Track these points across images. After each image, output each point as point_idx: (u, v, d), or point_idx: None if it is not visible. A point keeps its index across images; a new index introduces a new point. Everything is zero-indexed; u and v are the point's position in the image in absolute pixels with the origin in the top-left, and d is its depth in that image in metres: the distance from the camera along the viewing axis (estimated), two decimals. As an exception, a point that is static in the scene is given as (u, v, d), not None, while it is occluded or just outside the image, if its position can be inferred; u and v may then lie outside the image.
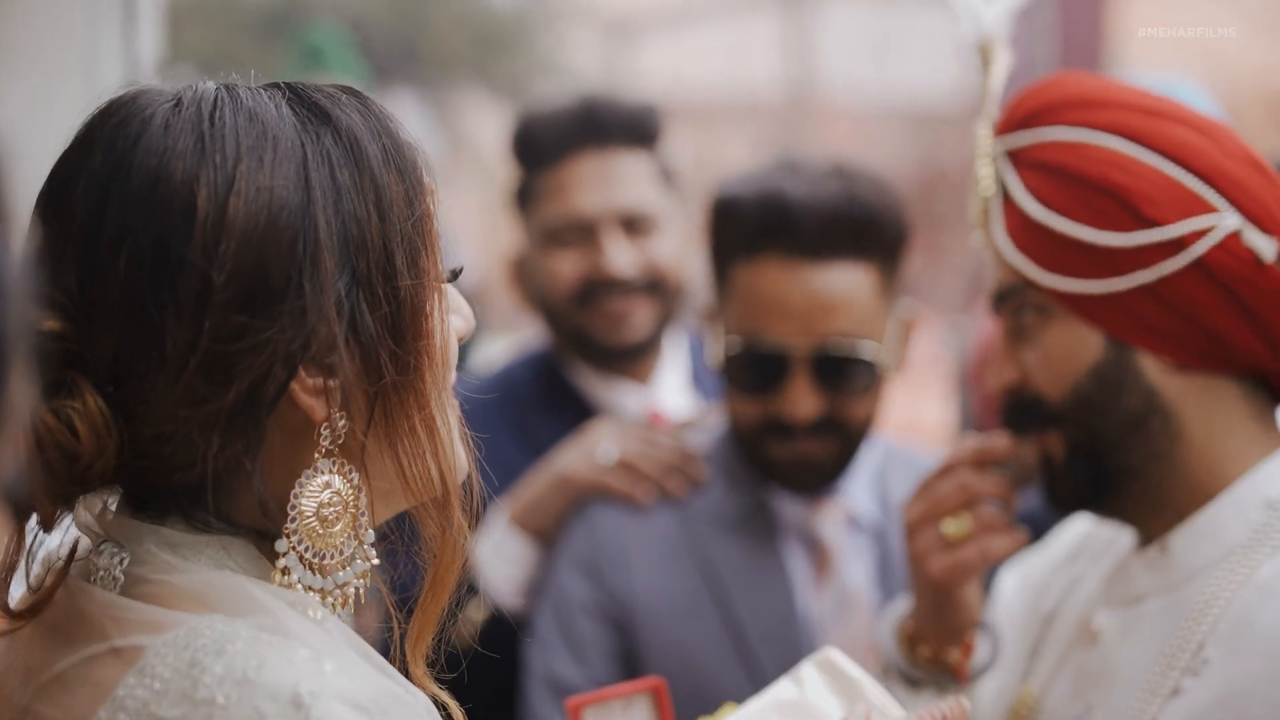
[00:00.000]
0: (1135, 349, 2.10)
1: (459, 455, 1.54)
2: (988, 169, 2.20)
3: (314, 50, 6.24)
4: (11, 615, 1.44)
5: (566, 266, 3.08)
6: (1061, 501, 2.20)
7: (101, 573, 1.44)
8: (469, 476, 1.56)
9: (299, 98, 1.49)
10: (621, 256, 3.06)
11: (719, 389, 2.92)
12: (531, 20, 19.63)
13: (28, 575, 1.47)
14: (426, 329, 1.48)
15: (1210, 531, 2.08)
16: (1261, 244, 2.04)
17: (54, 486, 1.39)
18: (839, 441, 2.70)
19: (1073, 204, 2.11)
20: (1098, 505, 2.17)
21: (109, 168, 1.42)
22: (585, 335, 3.09)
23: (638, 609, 2.72)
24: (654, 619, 2.71)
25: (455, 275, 1.54)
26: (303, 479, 1.44)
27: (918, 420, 7.91)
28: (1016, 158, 2.18)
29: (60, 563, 1.46)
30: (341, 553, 1.46)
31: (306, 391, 1.43)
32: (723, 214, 2.73)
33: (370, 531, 1.47)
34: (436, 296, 1.50)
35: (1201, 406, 2.10)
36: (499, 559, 2.87)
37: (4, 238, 0.88)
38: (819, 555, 2.76)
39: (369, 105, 1.51)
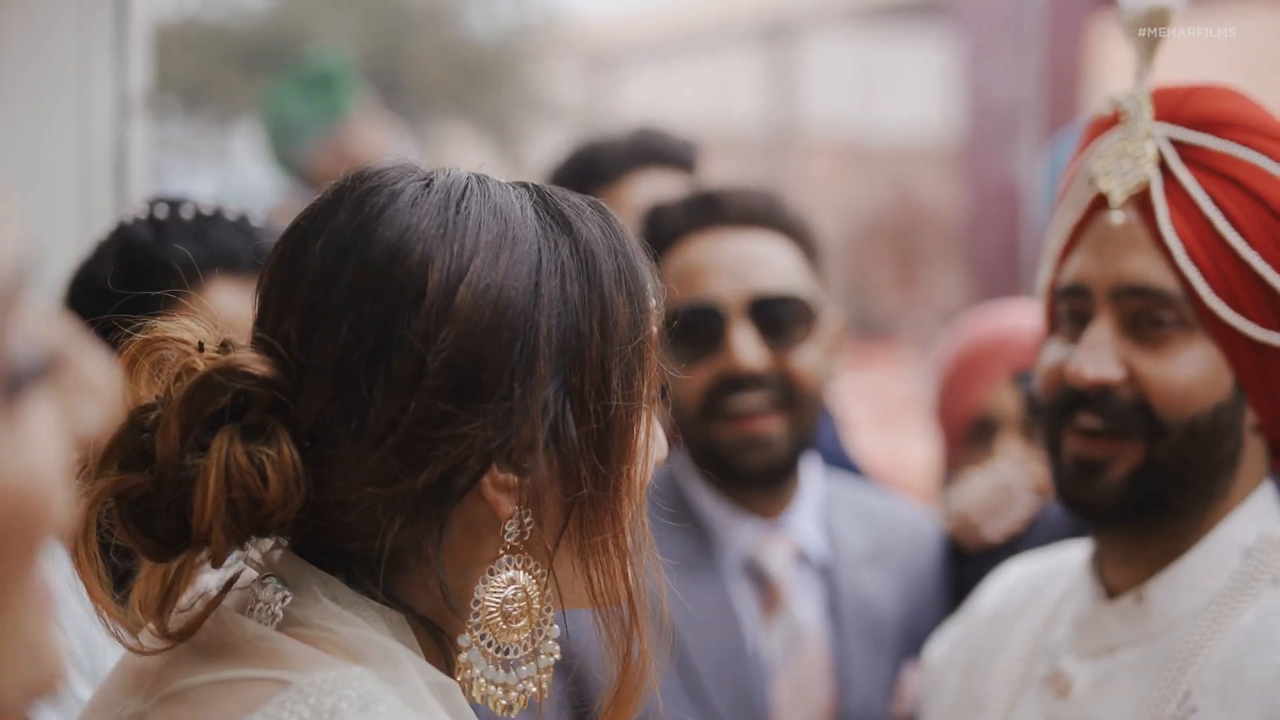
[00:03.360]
0: (1247, 402, 2.05)
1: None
2: (1151, 149, 2.05)
3: (323, 76, 6.25)
4: (167, 636, 1.44)
5: None
6: (1093, 504, 2.09)
7: (261, 604, 1.43)
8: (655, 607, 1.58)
9: (545, 202, 1.50)
10: None
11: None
12: (514, 53, 19.66)
13: None
14: (631, 451, 1.49)
15: (1189, 581, 2.06)
16: None
17: (233, 527, 1.38)
18: (790, 415, 2.71)
19: (1263, 237, 2.01)
20: (1119, 527, 2.10)
21: (351, 231, 1.44)
22: None
23: (588, 656, 2.70)
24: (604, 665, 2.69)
25: (664, 395, 1.57)
26: (488, 574, 1.45)
27: (899, 459, 7.92)
28: (1189, 154, 2.05)
29: (220, 587, 1.46)
30: (525, 648, 1.48)
31: (496, 486, 1.43)
32: (652, 219, 2.83)
33: (555, 627, 1.49)
34: (645, 421, 1.52)
35: (1250, 466, 2.09)
36: None
37: None
38: (767, 591, 2.76)
39: (610, 222, 1.54)
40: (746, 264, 2.74)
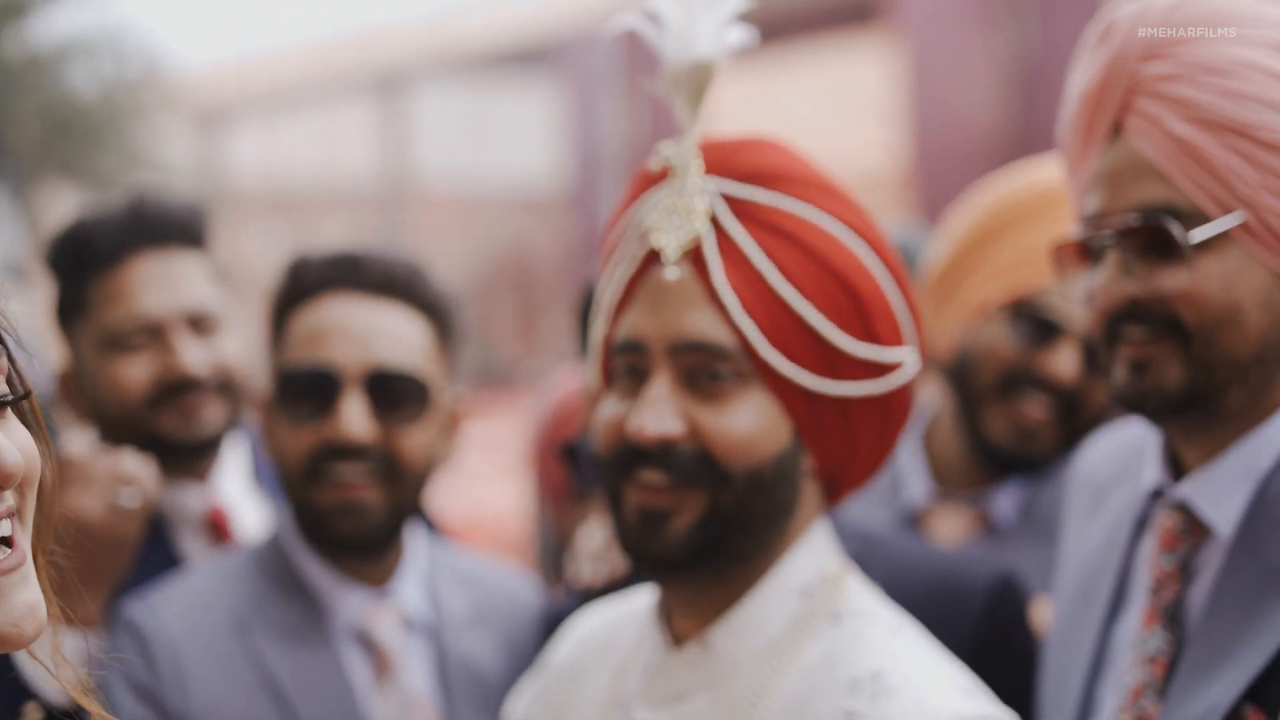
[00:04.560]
0: (806, 450, 2.11)
1: None
2: (702, 204, 2.10)
3: None
4: None
5: (135, 371, 3.02)
6: (659, 555, 2.10)
7: None
8: None
9: None
10: (193, 354, 3.03)
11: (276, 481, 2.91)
12: (119, 111, 19.17)
13: None
14: None
15: (751, 623, 2.10)
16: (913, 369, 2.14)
17: None
18: (390, 488, 2.71)
19: (814, 288, 2.07)
20: (684, 576, 2.11)
21: None
22: (156, 436, 3.00)
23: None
24: None
25: None
26: None
27: (522, 508, 8.00)
28: (740, 208, 2.10)
29: None
30: None
31: None
32: (293, 269, 2.80)
33: None
34: None
35: (805, 508, 2.14)
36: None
37: None
38: (378, 659, 2.75)
39: None
40: (372, 334, 2.72)
